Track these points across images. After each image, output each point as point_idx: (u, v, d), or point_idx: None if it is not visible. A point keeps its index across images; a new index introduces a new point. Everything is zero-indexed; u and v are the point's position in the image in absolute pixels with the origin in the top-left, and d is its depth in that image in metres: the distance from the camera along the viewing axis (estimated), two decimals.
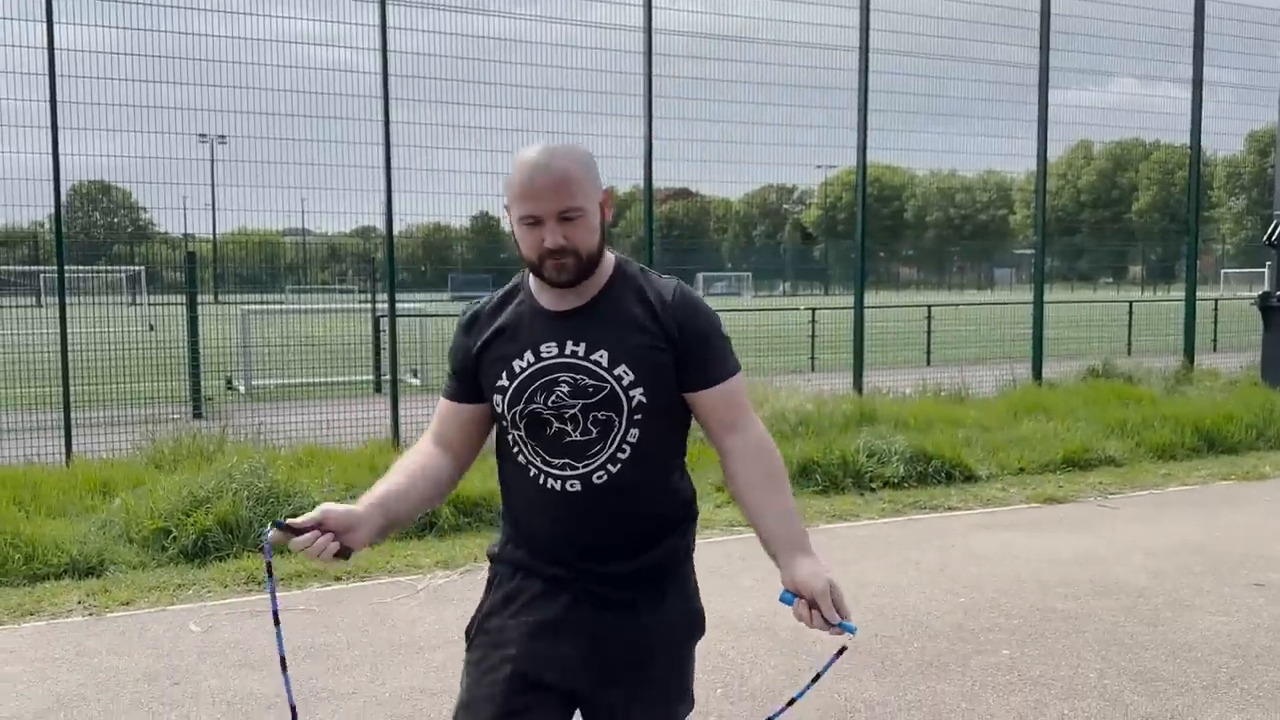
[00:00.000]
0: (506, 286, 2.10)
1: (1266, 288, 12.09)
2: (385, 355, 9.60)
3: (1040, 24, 10.60)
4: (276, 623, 1.93)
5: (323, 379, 11.57)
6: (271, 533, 1.82)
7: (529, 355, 1.97)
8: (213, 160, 9.90)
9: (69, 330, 7.53)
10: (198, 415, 9.44)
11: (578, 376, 1.94)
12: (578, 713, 2.05)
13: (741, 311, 17.77)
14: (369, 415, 8.66)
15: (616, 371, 1.93)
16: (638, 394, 1.93)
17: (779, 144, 10.65)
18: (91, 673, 4.05)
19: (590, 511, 1.96)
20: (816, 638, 4.31)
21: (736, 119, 10.21)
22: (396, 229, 8.34)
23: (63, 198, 7.56)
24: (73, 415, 7.59)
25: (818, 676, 2.00)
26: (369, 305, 12.78)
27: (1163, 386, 10.66)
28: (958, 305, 21.06)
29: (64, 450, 7.46)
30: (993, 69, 11.04)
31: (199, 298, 9.66)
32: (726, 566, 5.37)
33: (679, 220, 62.96)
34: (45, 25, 7.23)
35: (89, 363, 8.68)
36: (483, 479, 6.37)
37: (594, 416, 1.93)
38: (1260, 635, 4.32)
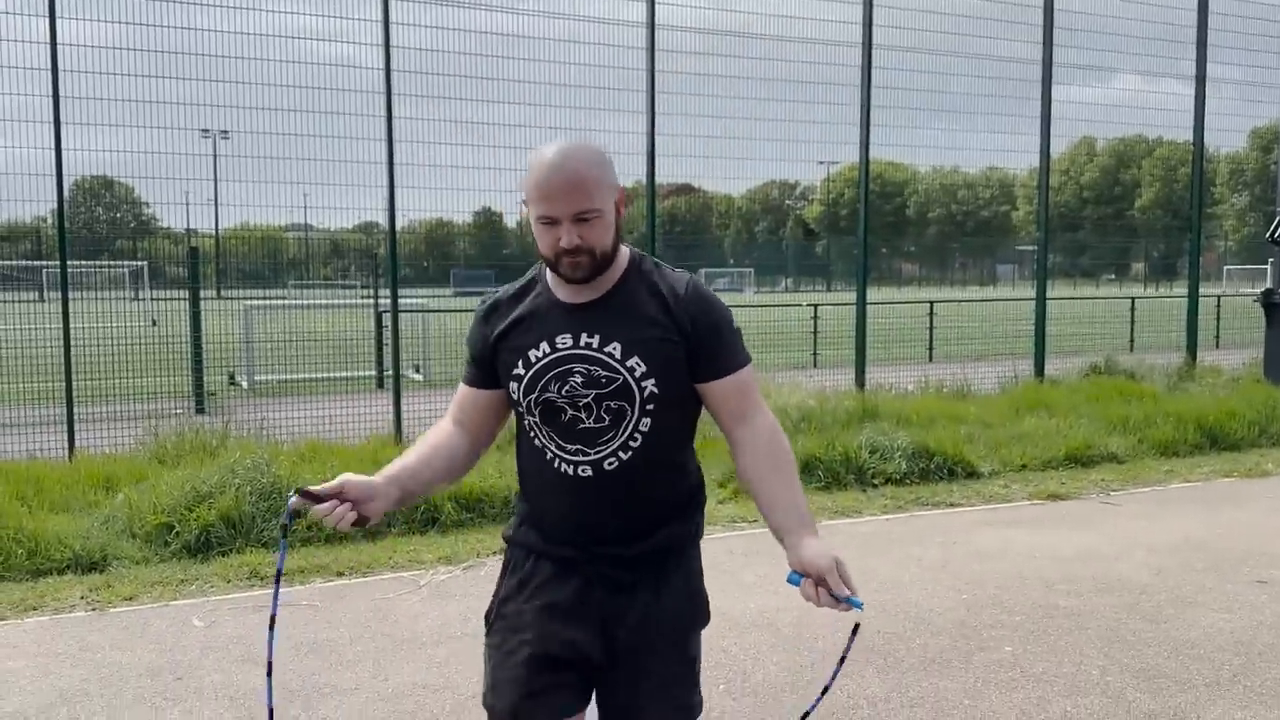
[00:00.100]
0: (524, 278, 2.16)
1: (1269, 284, 12.08)
2: (388, 350, 9.60)
3: (1044, 19, 10.58)
4: (277, 580, 2.01)
5: (325, 374, 11.58)
6: (294, 499, 1.90)
7: (545, 346, 2.04)
8: (215, 155, 9.90)
9: (72, 325, 7.53)
10: (200, 410, 9.45)
11: (591, 368, 2.00)
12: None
13: (744, 308, 17.77)
14: (371, 410, 8.67)
15: (629, 363, 1.99)
16: (649, 385, 1.99)
17: (781, 140, 10.65)
18: (94, 668, 4.06)
19: (601, 496, 2.03)
20: (818, 633, 4.32)
21: (739, 115, 10.22)
22: (399, 224, 8.34)
23: (65, 193, 7.55)
24: (75, 410, 7.60)
25: (842, 660, 2.02)
26: (371, 300, 12.80)
27: (1165, 383, 10.65)
28: (960, 302, 21.06)
29: (67, 445, 7.47)
30: (995, 65, 11.02)
31: (201, 293, 9.66)
32: (729, 562, 5.37)
33: (681, 216, 62.95)
34: (48, 20, 7.23)
35: (92, 358, 8.68)
36: (484, 476, 6.38)
37: (607, 406, 2.00)
38: (1263, 632, 4.32)
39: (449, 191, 8.98)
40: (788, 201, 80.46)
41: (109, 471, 6.48)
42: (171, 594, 4.98)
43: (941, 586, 4.99)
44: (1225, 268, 49.41)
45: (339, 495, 1.93)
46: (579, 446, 2.03)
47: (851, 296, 10.65)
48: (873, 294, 10.18)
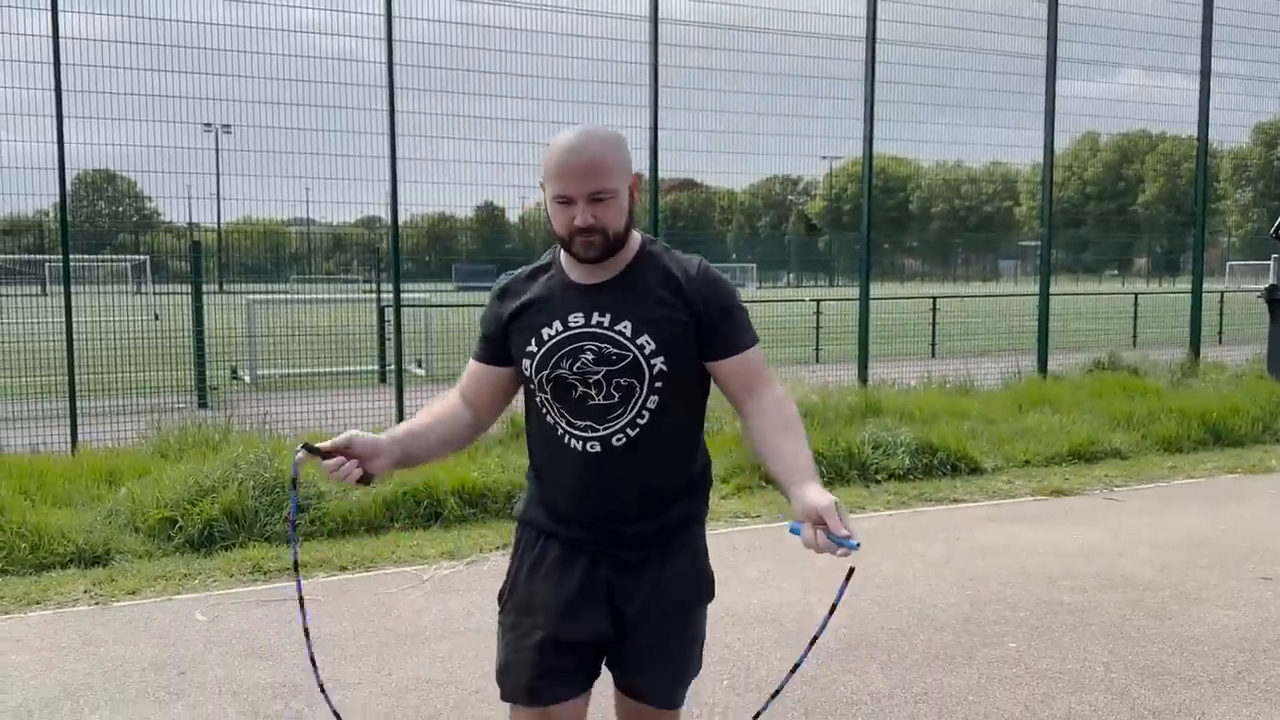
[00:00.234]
0: (539, 261, 2.23)
1: (1272, 280, 12.05)
2: (390, 345, 9.59)
3: (1048, 14, 10.55)
4: (293, 529, 2.13)
5: (327, 369, 11.57)
6: (300, 453, 1.95)
7: (557, 324, 2.10)
8: (218, 149, 9.88)
9: (74, 319, 7.53)
10: (203, 405, 9.44)
11: (602, 345, 2.07)
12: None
13: (746, 303, 17.74)
14: (374, 405, 8.67)
15: (639, 341, 2.06)
16: (658, 362, 2.06)
17: (784, 134, 10.63)
18: (98, 662, 4.06)
19: (609, 472, 2.10)
20: None
21: (742, 109, 10.18)
22: (401, 219, 8.32)
23: (68, 187, 7.54)
24: (78, 404, 7.60)
25: (834, 606, 2.01)
26: (373, 295, 12.79)
27: (1168, 379, 10.64)
28: (962, 297, 21.04)
29: (70, 439, 7.47)
30: (999, 60, 10.99)
31: (204, 287, 9.65)
32: (732, 558, 5.36)
33: (683, 211, 62.86)
34: (50, 14, 7.21)
35: (94, 352, 8.68)
36: (486, 471, 6.38)
37: (616, 382, 2.06)
38: (1268, 629, 4.31)
39: (451, 186, 8.99)
40: (790, 197, 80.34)
41: (112, 465, 6.48)
42: (174, 588, 4.98)
43: (945, 582, 4.98)
44: (1228, 263, 49.32)
45: (345, 452, 1.99)
46: (588, 423, 2.09)
47: (853, 292, 10.63)
48: (875, 289, 10.17)
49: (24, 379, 8.83)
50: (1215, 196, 55.36)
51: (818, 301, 15.69)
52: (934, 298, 16.92)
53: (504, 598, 2.24)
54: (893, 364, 11.38)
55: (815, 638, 2.12)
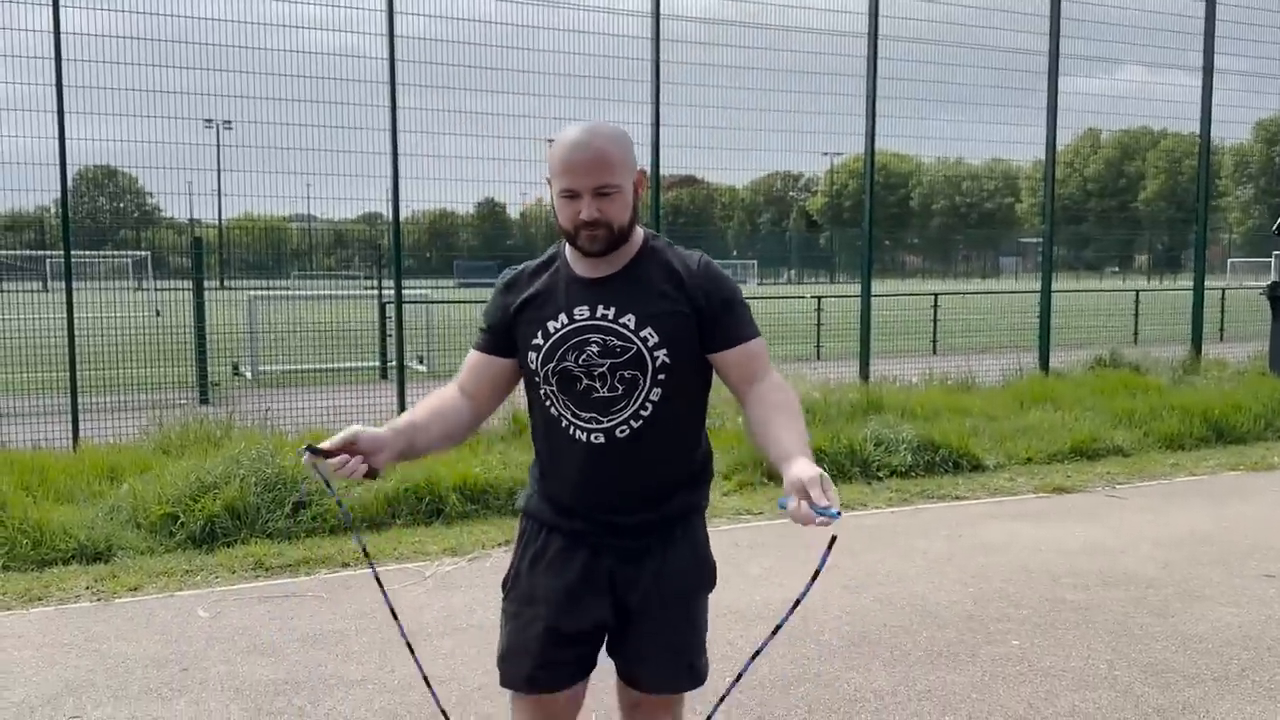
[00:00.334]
0: (544, 255, 2.27)
1: (1274, 277, 12.04)
2: (391, 341, 9.59)
3: (1050, 10, 10.53)
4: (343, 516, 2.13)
5: (328, 365, 11.57)
6: (306, 456, 1.97)
7: (563, 317, 2.14)
8: (219, 145, 9.87)
9: (75, 315, 7.52)
10: (204, 401, 9.44)
11: (607, 338, 2.11)
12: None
13: (748, 299, 17.71)
14: (375, 402, 8.66)
15: (642, 334, 2.10)
16: (661, 355, 2.10)
17: (786, 130, 10.60)
18: (100, 658, 4.05)
19: (612, 463, 2.14)
20: (825, 626, 4.31)
21: (743, 105, 10.16)
22: (402, 215, 8.31)
23: (69, 182, 7.53)
24: (79, 400, 7.59)
25: (816, 574, 1.99)
26: (375, 291, 12.78)
27: (1170, 376, 10.63)
28: (964, 294, 21.01)
29: (71, 435, 7.47)
30: (1000, 56, 10.97)
31: (205, 283, 9.64)
32: (734, 555, 5.36)
33: (684, 207, 62.83)
34: (51, 9, 7.20)
35: (95, 348, 8.68)
36: (488, 468, 6.37)
37: (620, 375, 2.10)
38: (1271, 627, 4.30)
39: (452, 182, 8.95)
40: (791, 193, 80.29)
41: (113, 462, 6.48)
42: (177, 584, 4.98)
43: (947, 579, 4.98)
44: (1229, 260, 49.27)
45: (349, 448, 2.00)
46: (593, 414, 2.12)
47: (854, 288, 10.62)
48: (876, 286, 10.15)
49: (25, 375, 8.82)
50: (1216, 193, 55.30)
51: (819, 298, 15.67)
52: (935, 294, 16.89)
53: (507, 586, 2.29)
54: (894, 361, 11.37)
55: (798, 601, 2.09)
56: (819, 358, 13.75)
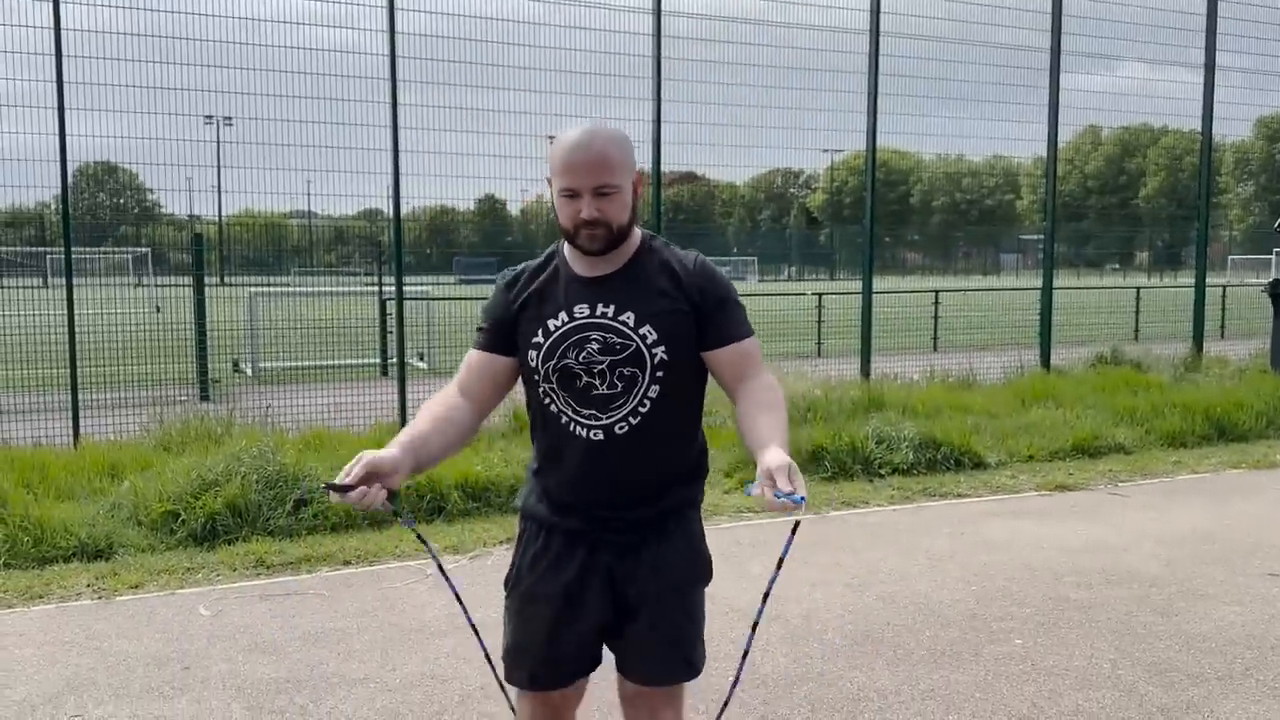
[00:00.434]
0: (543, 255, 2.31)
1: (1275, 274, 12.02)
2: (392, 338, 9.57)
3: (1052, 7, 10.51)
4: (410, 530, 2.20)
5: (329, 362, 11.56)
6: (334, 497, 1.95)
7: (563, 315, 2.19)
8: (219, 142, 9.85)
9: (76, 312, 7.50)
10: (205, 398, 9.43)
11: (607, 335, 2.15)
12: None
13: (748, 296, 17.70)
14: (376, 399, 8.64)
15: (641, 331, 2.15)
16: (660, 352, 2.15)
17: (787, 127, 10.58)
18: (101, 656, 4.05)
19: (611, 459, 2.18)
20: (827, 624, 4.30)
21: (744, 102, 10.14)
22: (403, 211, 8.29)
23: (69, 179, 7.52)
24: (80, 397, 7.57)
25: (780, 561, 2.04)
26: (375, 288, 12.76)
27: (1171, 374, 10.61)
28: (965, 291, 21.00)
29: (72, 432, 7.45)
30: (1001, 53, 10.95)
31: (205, 279, 9.62)
32: (736, 553, 5.35)
33: (685, 204, 62.78)
34: (51, 5, 7.18)
35: (95, 344, 8.66)
36: (489, 466, 6.36)
37: (620, 372, 2.15)
38: (1275, 626, 4.29)
39: (452, 179, 8.93)
40: (791, 189, 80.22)
41: (114, 459, 6.47)
42: (178, 582, 4.97)
43: (950, 578, 4.97)
44: (1230, 257, 49.24)
45: (366, 479, 1.98)
46: (593, 411, 2.17)
47: (855, 285, 10.60)
48: (876, 283, 10.13)
49: (25, 372, 8.81)
50: (1217, 190, 55.30)
51: (819, 295, 15.65)
52: (936, 291, 16.88)
53: (509, 585, 2.35)
54: (895, 358, 11.36)
55: (767, 593, 2.16)
56: (819, 355, 13.73)
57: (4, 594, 4.77)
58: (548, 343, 2.17)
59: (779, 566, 2.04)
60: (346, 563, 5.27)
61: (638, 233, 2.25)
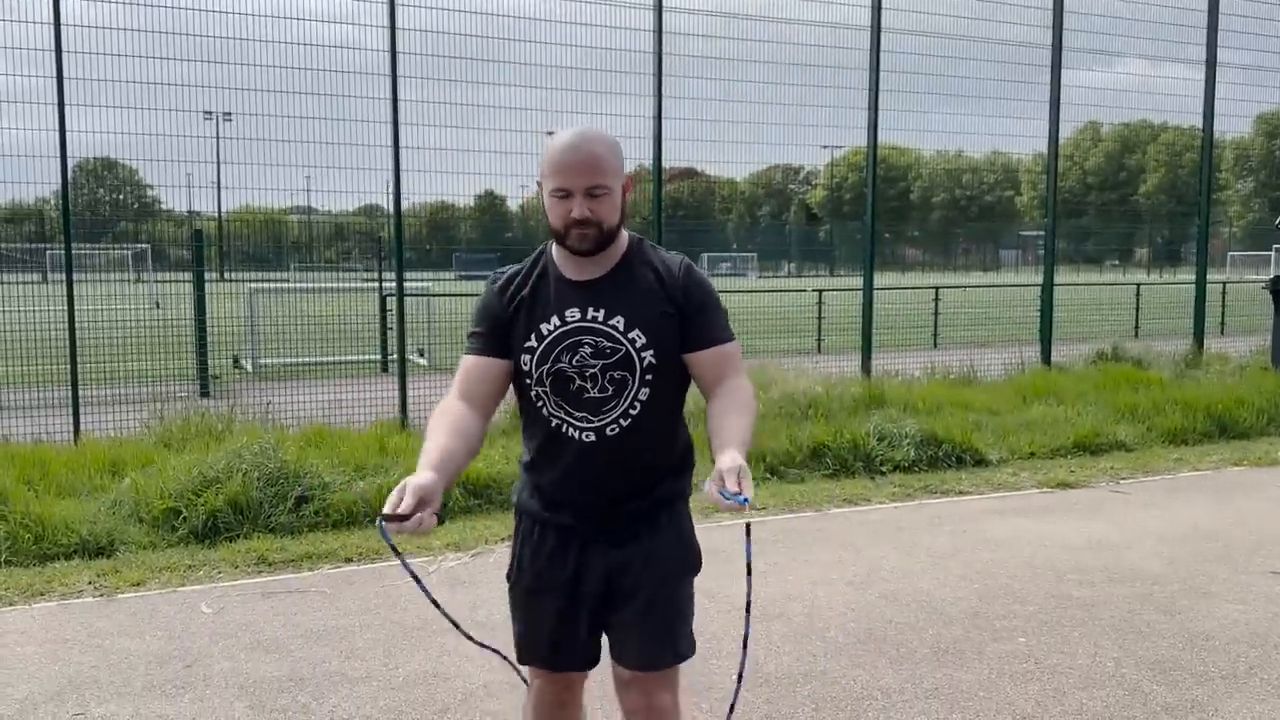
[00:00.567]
0: (530, 259, 2.34)
1: (1275, 271, 12.01)
2: (392, 334, 9.56)
3: (1053, 2, 10.49)
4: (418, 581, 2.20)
5: (329, 358, 11.55)
6: (391, 528, 1.93)
7: (555, 319, 2.23)
8: (218, 137, 9.82)
9: (75, 308, 7.48)
10: (205, 394, 9.41)
11: (598, 339, 2.21)
12: None
13: (748, 293, 17.71)
14: (376, 395, 8.63)
15: (631, 335, 2.21)
16: (648, 355, 2.21)
17: (787, 123, 10.55)
18: (103, 654, 4.04)
19: (603, 459, 2.25)
20: (830, 623, 4.29)
21: (744, 98, 10.12)
22: (402, 208, 8.27)
23: (69, 175, 7.50)
24: (80, 393, 7.56)
25: (749, 567, 2.13)
26: (375, 284, 12.75)
27: (1172, 371, 10.61)
28: (966, 287, 20.98)
29: (72, 429, 7.44)
30: (1001, 49, 10.92)
31: (205, 275, 9.61)
32: (738, 551, 5.34)
33: (684, 200, 62.71)
34: (51, 1, 7.16)
35: (95, 340, 8.64)
36: (491, 463, 6.36)
37: (610, 375, 2.21)
38: (1279, 625, 4.29)
39: (452, 175, 8.90)
40: (791, 186, 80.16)
41: (115, 455, 6.46)
42: (179, 580, 4.96)
43: (952, 575, 4.96)
44: (1229, 254, 49.23)
45: (418, 506, 1.96)
46: (585, 414, 2.23)
47: (854, 281, 10.59)
48: (877, 279, 10.11)
49: (25, 368, 8.80)
50: (1217, 186, 55.27)
51: (820, 292, 15.64)
52: (936, 288, 16.86)
53: (510, 578, 2.43)
54: (895, 355, 11.35)
55: (748, 605, 2.22)
56: (819, 351, 13.72)
57: (5, 591, 4.76)
58: (541, 347, 2.23)
59: (749, 573, 2.14)
60: (348, 560, 5.26)
61: (625, 235, 2.30)
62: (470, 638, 2.40)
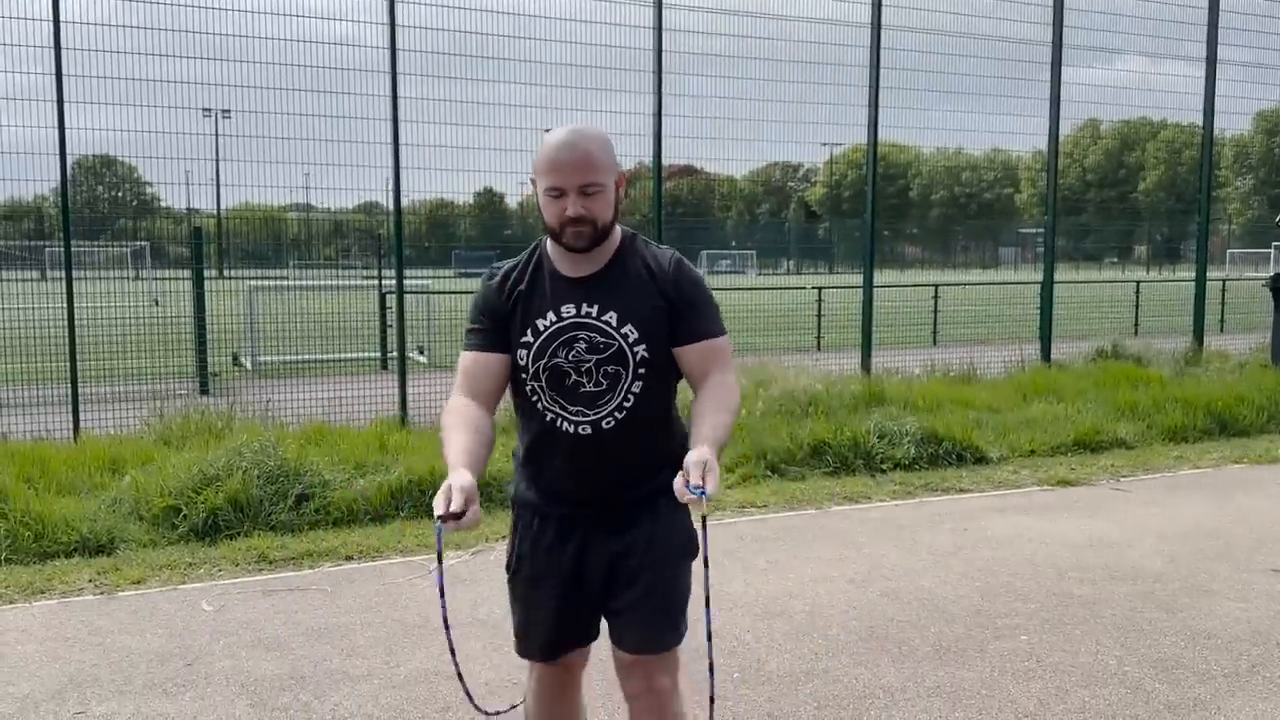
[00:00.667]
0: (524, 255, 2.38)
1: (1274, 269, 12.01)
2: (391, 332, 9.54)
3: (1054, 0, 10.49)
4: (442, 594, 2.15)
5: (329, 356, 11.54)
6: (446, 526, 1.99)
7: (551, 315, 2.27)
8: (217, 135, 9.81)
9: (75, 305, 7.47)
10: (204, 391, 9.41)
11: (592, 335, 2.25)
12: None
13: (747, 290, 17.70)
14: (376, 392, 8.62)
15: (624, 330, 2.25)
16: (641, 350, 2.25)
17: (786, 121, 10.54)
18: (104, 652, 4.03)
19: (599, 451, 2.28)
20: (832, 620, 4.29)
21: (744, 95, 10.11)
22: (402, 205, 8.25)
23: (68, 172, 7.48)
24: (80, 391, 7.54)
25: (705, 560, 2.22)
26: (375, 281, 12.73)
27: (1172, 368, 10.60)
28: (966, 285, 20.97)
29: (71, 426, 7.43)
30: (1000, 46, 10.91)
31: (204, 273, 9.60)
32: (739, 549, 5.34)
33: (683, 198, 62.66)
34: None
35: (94, 338, 8.63)
36: (491, 460, 6.32)
37: (605, 370, 2.24)
38: None
39: (451, 172, 8.89)
40: (790, 183, 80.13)
41: (115, 453, 6.44)
42: (180, 577, 4.95)
43: (954, 573, 4.96)
44: (1228, 251, 49.22)
45: (467, 503, 2.02)
46: (580, 408, 2.26)
47: (854, 279, 10.59)
48: (876, 277, 10.10)
49: (24, 365, 8.79)
50: (1216, 184, 55.26)
51: (819, 289, 15.62)
52: (936, 285, 16.85)
53: (510, 570, 2.46)
54: (894, 352, 11.35)
55: (707, 596, 2.22)
56: (819, 349, 13.71)
57: (5, 589, 4.75)
58: (537, 342, 2.26)
59: (706, 565, 2.20)
60: (349, 558, 5.25)
61: (618, 231, 2.33)
62: (476, 706, 2.46)
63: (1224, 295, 18.83)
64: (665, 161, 9.21)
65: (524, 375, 2.29)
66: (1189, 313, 12.06)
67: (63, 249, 7.55)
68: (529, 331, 2.27)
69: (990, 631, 4.20)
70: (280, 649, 4.06)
